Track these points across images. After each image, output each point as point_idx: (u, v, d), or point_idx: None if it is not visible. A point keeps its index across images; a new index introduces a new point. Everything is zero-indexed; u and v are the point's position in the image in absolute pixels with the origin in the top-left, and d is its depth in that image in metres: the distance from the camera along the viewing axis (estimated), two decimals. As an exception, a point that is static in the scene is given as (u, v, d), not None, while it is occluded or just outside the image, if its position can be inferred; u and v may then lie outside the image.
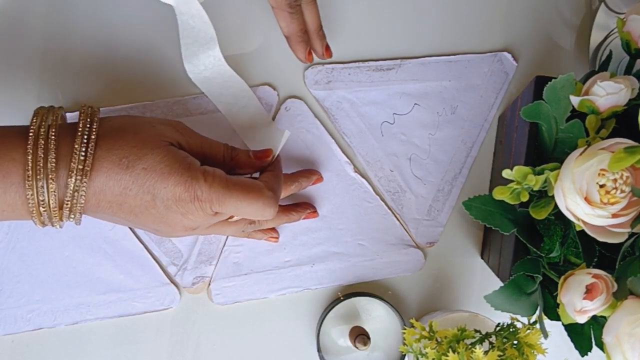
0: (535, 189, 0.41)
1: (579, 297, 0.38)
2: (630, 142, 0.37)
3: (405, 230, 0.57)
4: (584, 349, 0.42)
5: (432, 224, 0.57)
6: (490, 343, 0.45)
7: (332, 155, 0.56)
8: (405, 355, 0.53)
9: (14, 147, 0.38)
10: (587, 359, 0.42)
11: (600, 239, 0.39)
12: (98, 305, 0.55)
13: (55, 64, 0.56)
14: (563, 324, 0.42)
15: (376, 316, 0.54)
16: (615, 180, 0.38)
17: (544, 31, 0.58)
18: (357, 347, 0.51)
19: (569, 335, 0.43)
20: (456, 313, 0.51)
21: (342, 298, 0.54)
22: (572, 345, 0.42)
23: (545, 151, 0.44)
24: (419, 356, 0.44)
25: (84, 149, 0.39)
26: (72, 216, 0.40)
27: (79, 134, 0.39)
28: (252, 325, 0.56)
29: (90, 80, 0.55)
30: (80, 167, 0.39)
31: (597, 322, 0.42)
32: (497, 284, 0.45)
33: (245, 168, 0.47)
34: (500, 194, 0.42)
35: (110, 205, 0.41)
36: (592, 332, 0.42)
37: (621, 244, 0.39)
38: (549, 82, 0.42)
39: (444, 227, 0.57)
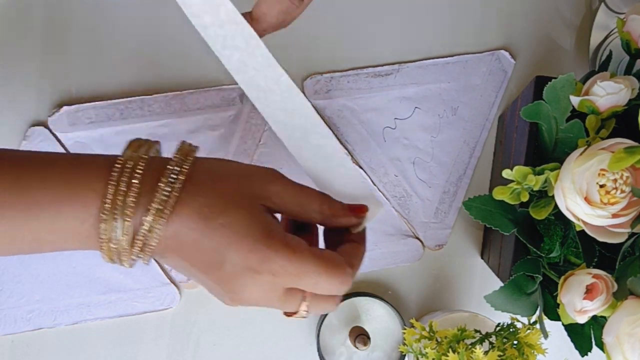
0: (536, 189, 0.41)
1: (579, 297, 0.38)
2: (630, 142, 0.37)
3: (408, 225, 0.57)
4: (584, 349, 0.42)
5: (439, 226, 0.57)
6: (491, 343, 0.45)
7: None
8: (405, 355, 0.53)
9: (96, 177, 0.36)
10: (587, 359, 0.42)
11: (600, 239, 0.39)
12: (98, 305, 0.55)
13: (55, 63, 0.56)
14: (563, 324, 0.42)
15: (376, 316, 0.54)
16: (615, 180, 0.37)
17: (544, 31, 0.58)
18: (357, 347, 0.51)
19: (569, 335, 0.43)
20: (456, 313, 0.51)
21: (342, 298, 0.54)
22: (572, 345, 0.42)
23: (545, 151, 0.44)
24: (419, 356, 0.44)
25: (168, 189, 0.36)
26: (141, 256, 0.37)
27: (167, 172, 0.37)
28: (252, 325, 0.56)
29: (88, 76, 0.56)
30: (161, 207, 0.36)
31: (597, 322, 0.42)
32: (497, 284, 0.45)
33: (339, 218, 0.42)
34: (500, 194, 0.42)
35: (177, 253, 0.37)
36: (592, 332, 0.42)
37: (621, 244, 0.39)
38: (549, 82, 0.42)
39: (452, 229, 0.57)
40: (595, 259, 0.41)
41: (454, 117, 0.57)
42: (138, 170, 0.36)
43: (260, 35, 0.45)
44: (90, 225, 0.36)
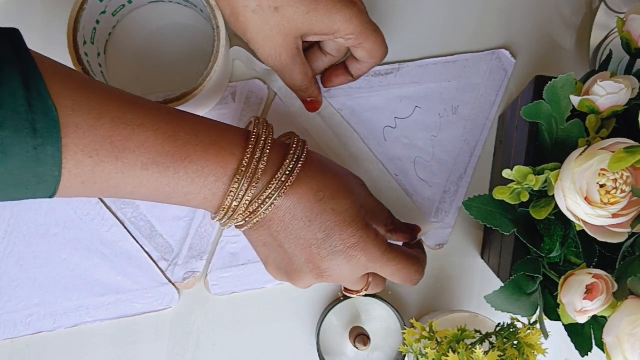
0: (536, 189, 0.41)
1: (579, 298, 0.38)
2: (630, 142, 0.37)
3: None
4: (584, 349, 0.42)
5: (440, 226, 0.57)
6: (491, 343, 0.45)
7: (327, 143, 0.56)
8: (405, 355, 0.53)
9: (236, 144, 0.41)
10: (587, 359, 0.42)
11: (601, 239, 0.39)
12: (97, 307, 0.55)
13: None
14: (563, 324, 0.41)
15: (376, 316, 0.54)
16: (615, 180, 0.37)
17: (543, 31, 0.58)
18: (357, 348, 0.51)
19: (569, 335, 0.42)
20: (456, 313, 0.51)
21: (342, 298, 0.54)
22: (572, 345, 0.42)
23: (545, 151, 0.44)
24: (419, 356, 0.44)
25: (292, 165, 0.41)
26: (248, 220, 0.42)
27: (292, 152, 0.42)
28: (252, 325, 0.56)
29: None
30: (284, 179, 0.41)
31: (598, 323, 0.42)
32: (498, 284, 0.45)
33: (400, 234, 0.50)
34: (500, 194, 0.42)
35: (283, 227, 0.42)
36: (592, 332, 0.42)
37: (621, 244, 0.39)
38: (549, 82, 0.42)
39: (452, 228, 0.57)
40: (596, 259, 0.41)
41: (454, 116, 0.57)
42: (268, 144, 0.41)
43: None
44: (222, 184, 0.40)
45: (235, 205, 0.41)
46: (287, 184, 0.41)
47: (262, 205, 0.41)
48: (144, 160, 0.37)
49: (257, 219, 0.42)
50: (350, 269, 0.44)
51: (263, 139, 0.41)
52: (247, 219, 0.42)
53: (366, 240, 0.43)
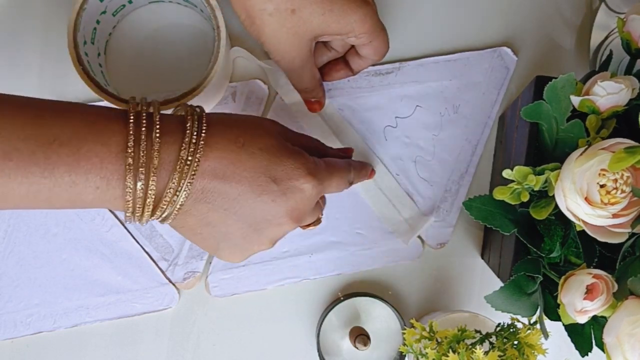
0: (536, 189, 0.41)
1: (580, 298, 0.38)
2: (630, 142, 0.37)
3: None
4: (584, 350, 0.42)
5: (441, 224, 0.57)
6: (491, 343, 0.45)
7: (327, 142, 0.56)
8: (405, 355, 0.53)
9: (115, 120, 0.36)
10: (587, 359, 0.42)
11: (601, 239, 0.39)
12: (97, 307, 0.55)
13: (54, 62, 0.55)
14: (563, 324, 0.42)
15: (376, 316, 0.54)
16: (615, 180, 0.37)
17: (544, 31, 0.58)
18: (357, 348, 0.51)
19: (570, 335, 0.42)
20: (456, 313, 0.51)
21: (342, 298, 0.54)
22: (572, 345, 0.42)
23: (545, 151, 0.44)
24: (419, 356, 0.44)
25: (195, 131, 0.37)
26: (173, 201, 0.37)
27: (189, 117, 0.38)
28: (252, 325, 0.56)
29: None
30: (192, 146, 0.36)
31: (598, 323, 0.42)
32: (498, 284, 0.45)
33: (328, 150, 0.49)
34: (500, 194, 0.42)
35: (220, 191, 0.38)
36: (592, 332, 0.42)
37: (621, 244, 0.39)
38: (550, 82, 0.42)
39: (454, 227, 0.57)
40: (596, 259, 0.41)
41: (455, 115, 0.57)
42: (157, 116, 0.36)
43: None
44: (110, 164, 0.35)
45: (141, 188, 0.35)
46: (199, 149, 0.37)
47: (183, 179, 0.36)
48: (4, 149, 0.32)
49: (183, 197, 0.37)
50: (307, 197, 0.41)
51: (144, 111, 0.37)
52: (172, 200, 0.37)
53: (307, 164, 0.41)
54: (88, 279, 0.55)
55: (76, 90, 0.55)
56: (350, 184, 0.47)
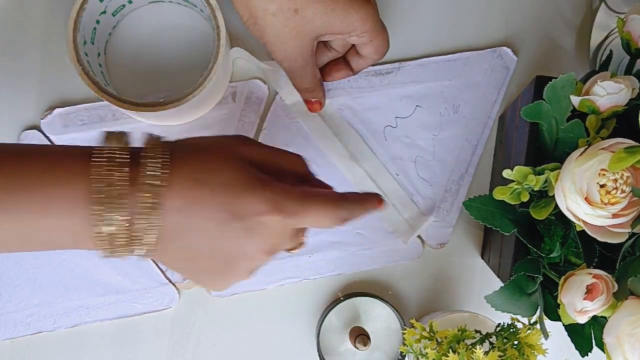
0: (536, 189, 0.41)
1: (580, 298, 0.38)
2: (630, 142, 0.37)
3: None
4: (584, 350, 0.42)
5: (441, 224, 0.57)
6: (491, 343, 0.45)
7: (328, 142, 0.56)
8: (405, 355, 0.53)
9: (81, 162, 0.36)
10: (587, 359, 0.42)
11: (601, 239, 0.39)
12: (97, 308, 0.55)
13: (54, 62, 0.55)
14: (563, 325, 0.42)
15: (376, 316, 0.54)
16: (615, 180, 0.37)
17: (544, 30, 0.58)
18: (357, 348, 0.51)
19: (570, 335, 0.42)
20: (456, 313, 0.51)
21: (342, 298, 0.54)
22: (572, 345, 0.42)
23: (545, 151, 0.44)
24: (419, 356, 0.44)
25: (158, 164, 0.36)
26: (137, 242, 0.36)
27: (149, 152, 0.36)
28: (252, 325, 0.56)
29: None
30: (157, 182, 0.36)
31: (598, 323, 0.42)
32: (498, 284, 0.45)
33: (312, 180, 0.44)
34: (500, 194, 0.42)
35: (186, 232, 0.37)
36: (592, 332, 0.42)
37: (621, 244, 0.39)
38: (550, 82, 0.42)
39: (454, 227, 0.57)
40: (596, 259, 0.41)
41: (455, 115, 0.57)
42: (123, 154, 0.36)
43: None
44: (80, 208, 0.34)
45: (110, 232, 0.35)
46: (162, 187, 0.36)
47: (149, 221, 0.36)
48: None
49: (153, 237, 0.36)
50: (275, 232, 0.38)
51: (107, 151, 0.36)
52: (143, 242, 0.36)
53: (275, 198, 0.37)
54: (88, 279, 0.55)
55: (76, 90, 0.55)
56: (345, 220, 0.40)
